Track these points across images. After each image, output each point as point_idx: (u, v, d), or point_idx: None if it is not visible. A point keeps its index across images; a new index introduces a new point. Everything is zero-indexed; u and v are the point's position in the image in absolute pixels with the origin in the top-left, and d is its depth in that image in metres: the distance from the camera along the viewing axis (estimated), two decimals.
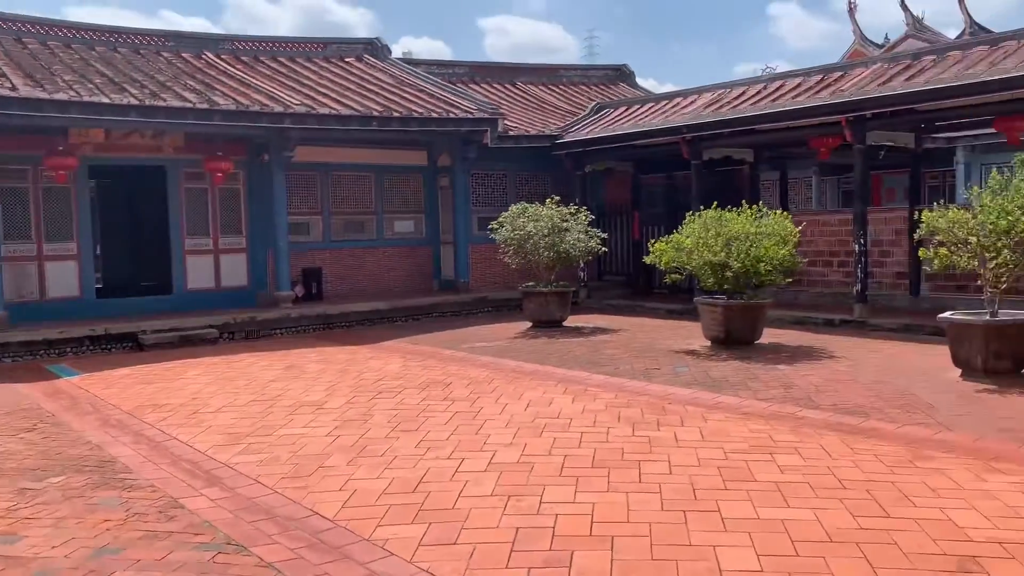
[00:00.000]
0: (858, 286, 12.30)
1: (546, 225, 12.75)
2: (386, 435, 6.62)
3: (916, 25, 28.81)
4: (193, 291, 14.52)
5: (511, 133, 16.46)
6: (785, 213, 10.71)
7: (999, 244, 7.84)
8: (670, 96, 17.02)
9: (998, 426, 6.32)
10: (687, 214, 11.10)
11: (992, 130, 13.21)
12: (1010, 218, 7.71)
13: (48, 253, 13.30)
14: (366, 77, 17.16)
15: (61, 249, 13.40)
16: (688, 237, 10.46)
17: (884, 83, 12.07)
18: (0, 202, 12.73)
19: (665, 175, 17.46)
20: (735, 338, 10.27)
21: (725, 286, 10.25)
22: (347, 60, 18.13)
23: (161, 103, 12.54)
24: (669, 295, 15.64)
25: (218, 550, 4.36)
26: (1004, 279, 8.01)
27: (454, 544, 4.32)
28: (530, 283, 13.24)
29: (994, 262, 7.93)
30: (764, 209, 10.73)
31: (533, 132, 17.11)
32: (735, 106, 14.15)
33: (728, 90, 15.31)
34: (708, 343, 10.56)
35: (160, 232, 14.87)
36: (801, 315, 12.62)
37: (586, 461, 5.71)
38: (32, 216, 13.14)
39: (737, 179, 16.32)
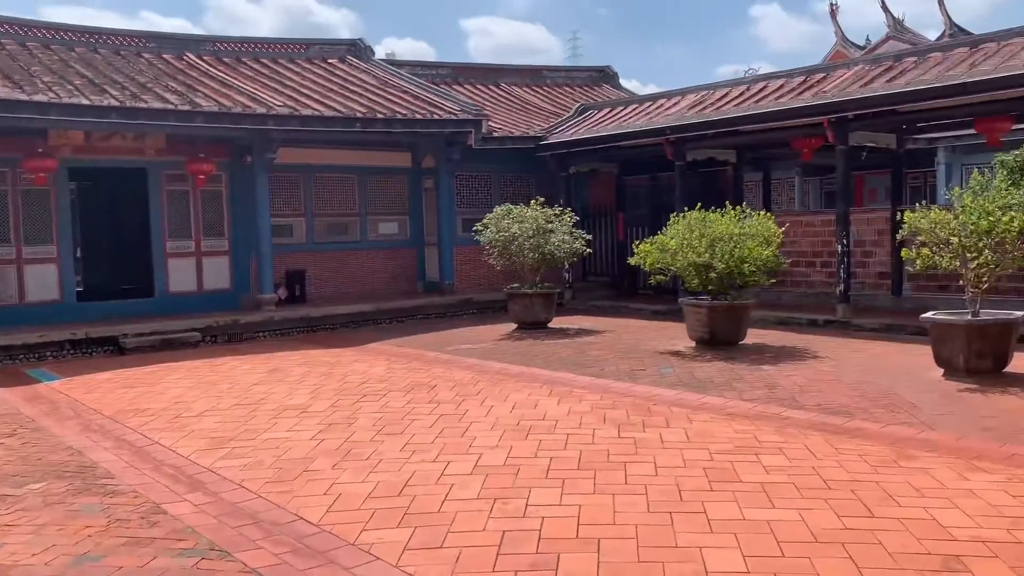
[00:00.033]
0: (841, 286, 12.37)
1: (531, 226, 12.74)
2: (371, 438, 6.59)
3: (897, 27, 29.10)
4: (175, 294, 14.41)
5: (495, 134, 16.44)
6: (768, 214, 10.76)
7: (980, 244, 7.92)
8: (654, 97, 17.06)
9: (980, 425, 6.38)
10: (671, 215, 11.15)
11: (973, 131, 13.35)
12: (991, 219, 7.80)
13: (27, 256, 13.16)
14: (349, 78, 17.10)
15: (41, 252, 13.26)
16: (672, 238, 10.49)
17: (866, 84, 12.14)
18: None
19: (649, 176, 17.53)
20: (720, 339, 10.31)
21: (709, 287, 10.29)
22: (330, 61, 18.06)
23: (142, 105, 12.44)
24: (654, 296, 15.66)
25: (201, 556, 4.32)
26: (985, 279, 8.08)
27: (440, 548, 4.30)
28: (515, 285, 13.23)
29: (975, 262, 8.00)
30: (748, 210, 10.78)
31: (517, 133, 17.10)
32: (718, 107, 14.20)
33: (711, 91, 15.36)
34: (693, 344, 10.59)
35: (142, 235, 14.74)
36: (785, 315, 12.69)
37: (572, 463, 5.71)
38: (11, 219, 13.00)
39: (721, 180, 16.39)
